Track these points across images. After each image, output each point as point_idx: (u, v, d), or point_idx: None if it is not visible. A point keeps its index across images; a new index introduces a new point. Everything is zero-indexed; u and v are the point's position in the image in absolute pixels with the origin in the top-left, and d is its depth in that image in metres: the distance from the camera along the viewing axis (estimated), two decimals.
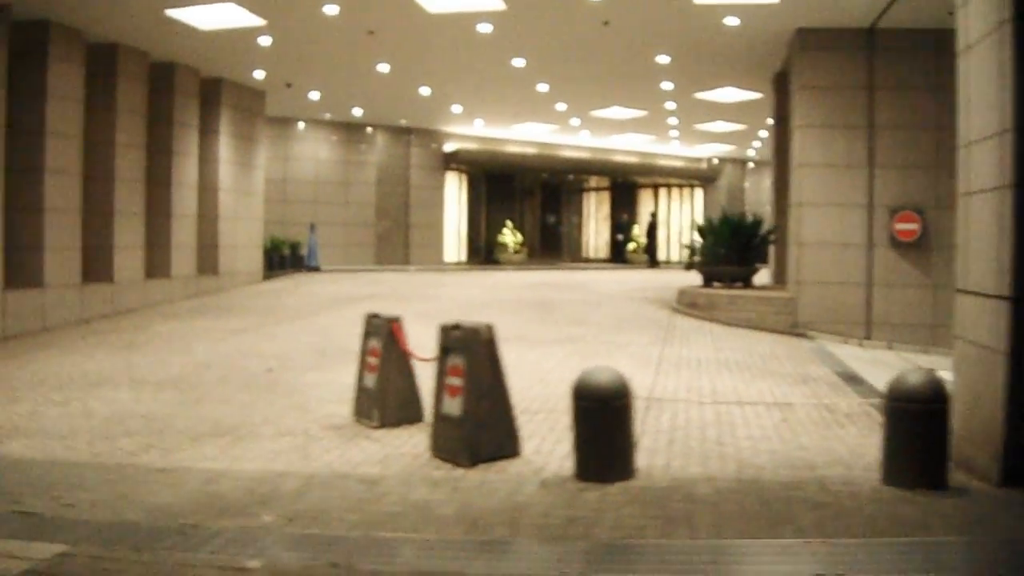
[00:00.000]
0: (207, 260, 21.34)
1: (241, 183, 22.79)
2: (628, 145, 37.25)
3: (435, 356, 7.20)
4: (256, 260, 23.68)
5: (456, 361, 6.94)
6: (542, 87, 23.36)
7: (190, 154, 20.52)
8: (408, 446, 7.45)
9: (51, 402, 9.29)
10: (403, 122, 30.59)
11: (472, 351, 6.84)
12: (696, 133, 32.84)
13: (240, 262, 22.69)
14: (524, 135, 34.31)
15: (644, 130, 32.41)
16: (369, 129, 30.61)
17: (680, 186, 42.58)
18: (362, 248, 30.36)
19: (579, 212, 43.78)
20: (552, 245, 41.73)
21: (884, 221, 15.82)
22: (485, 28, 16.86)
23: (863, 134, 16.02)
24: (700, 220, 34.86)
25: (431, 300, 18.69)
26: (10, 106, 14.41)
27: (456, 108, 27.40)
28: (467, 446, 6.78)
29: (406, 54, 19.41)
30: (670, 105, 26.29)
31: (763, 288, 18.81)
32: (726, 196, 41.43)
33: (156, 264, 19.43)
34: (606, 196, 43.49)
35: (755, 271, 19.22)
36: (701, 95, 24.38)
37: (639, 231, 40.42)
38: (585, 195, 43.59)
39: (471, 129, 32.74)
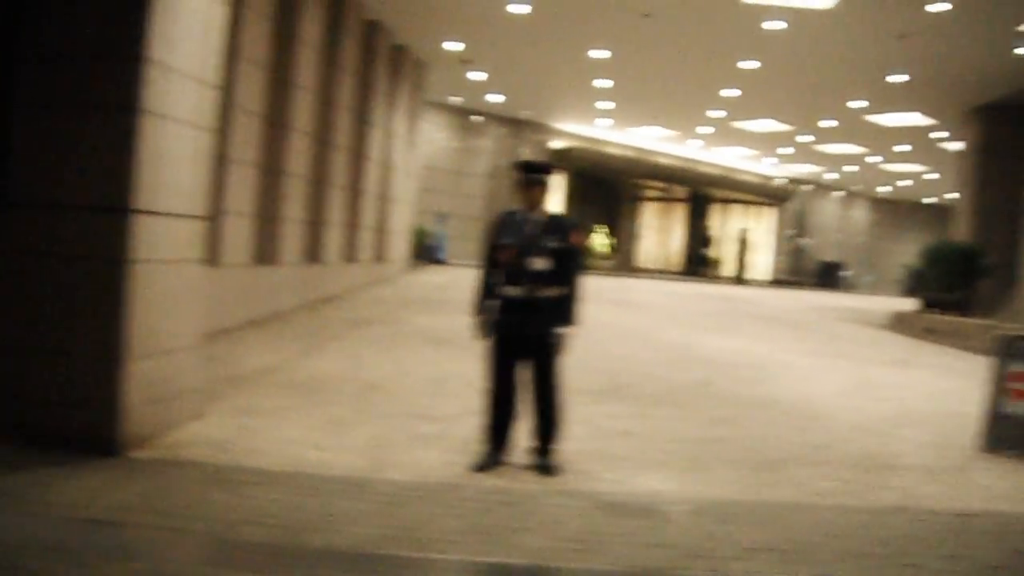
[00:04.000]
0: (380, 245, 19.26)
1: (407, 162, 20.76)
2: (712, 158, 36.06)
3: None
4: (405, 248, 21.64)
5: None
6: (731, 92, 21.85)
7: (378, 125, 18.40)
8: None
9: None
10: (525, 114, 28.80)
11: None
12: (813, 153, 31.67)
13: (396, 249, 20.69)
14: (625, 139, 32.81)
15: (776, 145, 31.06)
16: (480, 118, 28.71)
17: (754, 203, 41.33)
18: (468, 243, 28.43)
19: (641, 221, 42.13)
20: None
21: None
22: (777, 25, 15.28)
23: None
24: (771, 238, 33.80)
25: (635, 306, 16.75)
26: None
27: (603, 104, 25.70)
28: None
29: (622, 42, 17.81)
30: (828, 123, 25.09)
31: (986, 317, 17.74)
32: (792, 218, 40.48)
33: (350, 246, 17.29)
34: (677, 207, 41.89)
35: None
36: (873, 117, 23.22)
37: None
38: (654, 204, 41.98)
39: (577, 128, 31.10)
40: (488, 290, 5.71)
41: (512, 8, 16.10)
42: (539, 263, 5.56)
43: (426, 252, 24.18)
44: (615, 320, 15.28)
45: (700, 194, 40.68)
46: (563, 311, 5.60)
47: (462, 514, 4.90)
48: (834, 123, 25.02)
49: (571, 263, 5.62)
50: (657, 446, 6.75)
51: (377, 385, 8.31)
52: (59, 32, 6.02)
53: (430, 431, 6.76)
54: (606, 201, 37.40)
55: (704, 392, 9.21)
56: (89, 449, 5.64)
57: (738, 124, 26.88)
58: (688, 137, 31.32)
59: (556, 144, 31.30)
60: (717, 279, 36.26)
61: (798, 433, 7.56)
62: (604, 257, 34.69)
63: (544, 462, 5.73)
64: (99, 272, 5.76)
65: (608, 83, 22.35)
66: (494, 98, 26.27)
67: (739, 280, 35.20)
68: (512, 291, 5.59)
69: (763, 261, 41.48)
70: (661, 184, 39.15)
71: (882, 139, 26.52)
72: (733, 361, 11.64)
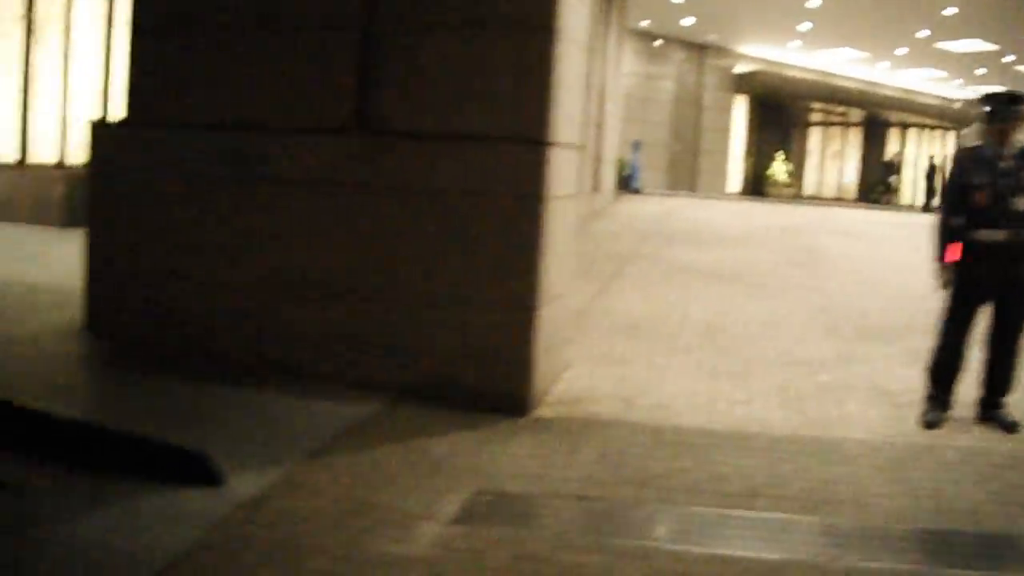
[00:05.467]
0: (596, 175, 18.51)
1: (614, 88, 19.86)
2: (893, 80, 33.92)
3: None
4: (612, 178, 20.85)
5: None
6: (950, 10, 20.19)
7: (596, 49, 17.43)
8: None
9: None
10: (712, 38, 27.51)
11: None
12: (1010, 72, 29.32)
13: (607, 179, 19.95)
14: (809, 62, 31.08)
15: (975, 67, 28.92)
16: (660, 42, 27.50)
17: (932, 127, 38.88)
18: (654, 172, 27.55)
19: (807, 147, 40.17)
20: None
21: None
22: None
23: None
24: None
25: (864, 238, 15.86)
26: None
27: (804, 25, 24.22)
28: None
29: None
30: None
31: None
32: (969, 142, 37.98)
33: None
34: (852, 131, 39.78)
35: None
36: None
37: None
38: (824, 129, 39.96)
39: (762, 51, 29.55)
40: (952, 233, 5.31)
41: None
42: (1022, 203, 5.15)
43: (624, 182, 23.37)
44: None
45: (878, 118, 38.52)
46: None
47: (978, 480, 4.53)
48: None
49: None
50: None
51: (714, 326, 7.91)
52: None
53: (828, 380, 6.24)
54: (783, 127, 35.85)
55: None
56: (496, 407, 5.24)
57: (941, 44, 25.01)
58: (879, 60, 29.41)
59: (740, 68, 29.89)
60: (898, 207, 34.32)
61: None
62: (785, 185, 33.23)
63: (1004, 417, 5.37)
64: (508, 209, 5.28)
65: (817, 1, 20.96)
66: (686, 21, 25.06)
67: (927, 209, 33.24)
68: (991, 235, 5.18)
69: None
70: (839, 108, 37.23)
71: None
72: None
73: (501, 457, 4.58)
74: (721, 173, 30.44)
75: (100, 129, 6.70)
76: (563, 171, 5.67)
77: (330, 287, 5.64)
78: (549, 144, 5.30)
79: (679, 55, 28.77)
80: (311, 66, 5.75)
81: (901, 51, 27.74)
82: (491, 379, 5.35)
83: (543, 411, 5.38)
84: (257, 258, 5.84)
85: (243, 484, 4.08)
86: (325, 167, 5.64)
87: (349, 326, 5.61)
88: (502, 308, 5.32)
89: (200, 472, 4.12)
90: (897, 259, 13.37)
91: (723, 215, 19.67)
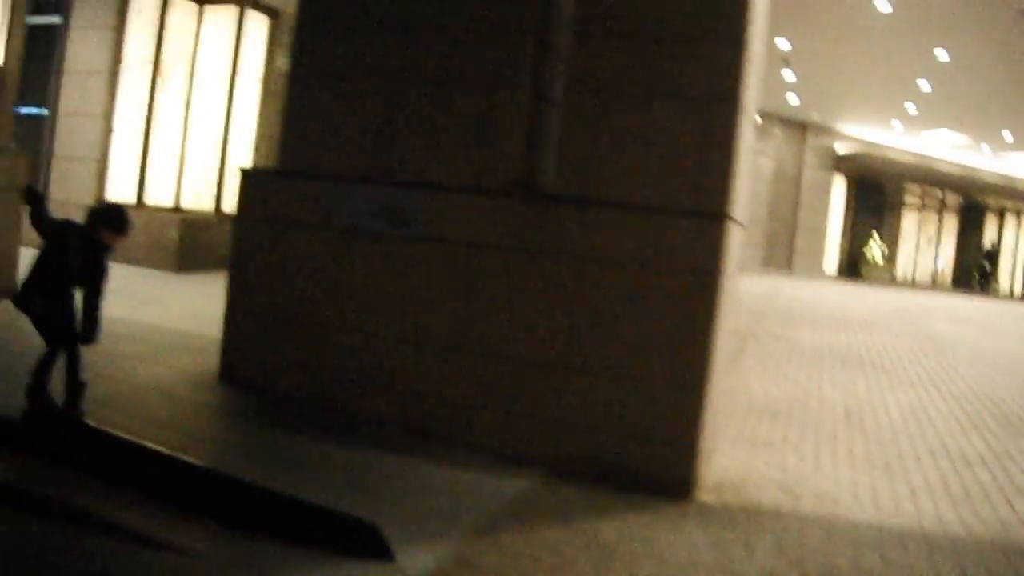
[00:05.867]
0: None
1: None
2: (993, 165, 33.12)
3: None
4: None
5: None
6: None
7: None
8: None
9: None
10: (814, 117, 27.21)
11: None
12: None
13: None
14: (908, 144, 30.54)
15: None
16: (758, 119, 27.23)
17: None
18: (751, 249, 27.08)
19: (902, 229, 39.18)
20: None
21: None
22: None
23: None
24: None
25: (975, 325, 15.17)
26: None
27: (909, 107, 23.80)
28: None
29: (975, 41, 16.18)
30: None
31: None
32: None
33: None
34: (945, 215, 38.83)
35: None
36: None
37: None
38: (920, 212, 39.06)
39: (862, 131, 29.14)
40: None
41: (877, 4, 14.92)
42: None
43: None
44: None
45: (975, 202, 37.62)
46: None
47: None
48: None
49: None
50: None
51: (854, 412, 7.68)
52: (638, 9, 5.33)
53: (989, 479, 5.89)
54: (879, 209, 35.20)
55: None
56: (657, 489, 4.96)
57: None
58: (983, 142, 28.77)
59: (839, 148, 29.51)
60: (998, 295, 33.32)
61: None
62: (880, 267, 32.51)
63: None
64: (683, 284, 5.04)
65: (928, 86, 20.58)
66: (789, 99, 24.86)
67: None
68: None
69: None
70: (936, 191, 36.47)
71: None
72: None
73: (677, 546, 4.30)
74: (817, 253, 29.92)
75: (250, 176, 6.64)
76: (734, 247, 5.44)
77: (483, 353, 5.43)
78: (728, 219, 5.08)
79: (780, 133, 28.50)
80: (478, 125, 5.62)
81: (1007, 135, 27.12)
82: (652, 459, 5.07)
83: (705, 496, 5.09)
84: (408, 317, 5.66)
85: (413, 560, 3.85)
86: (488, 229, 5.46)
87: (502, 394, 5.38)
88: (669, 385, 5.06)
89: (371, 544, 3.90)
90: (1015, 349, 12.96)
91: (828, 295, 19.30)
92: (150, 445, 4.74)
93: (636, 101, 5.22)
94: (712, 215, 5.02)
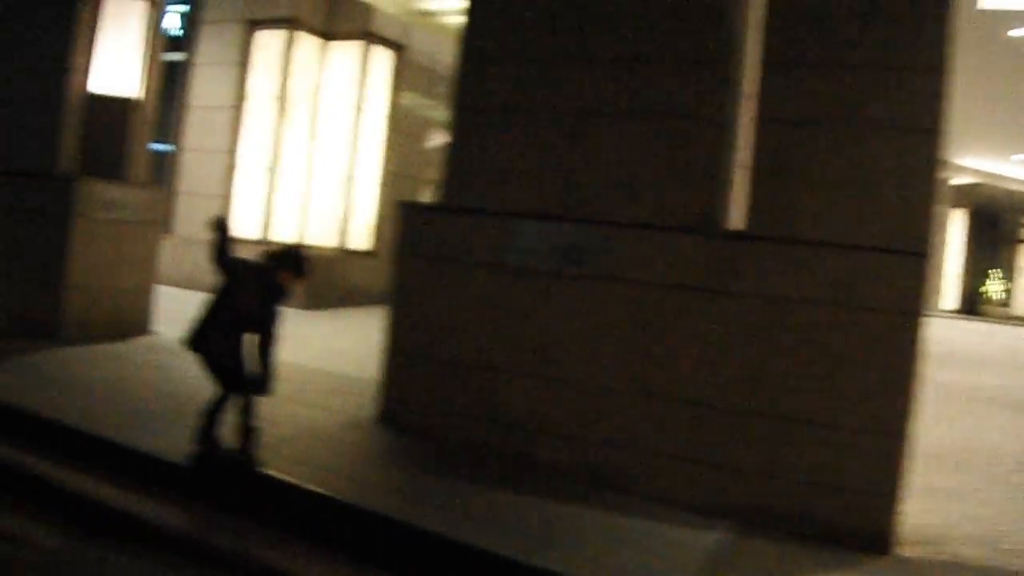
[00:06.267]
0: None
1: None
2: None
3: None
4: None
5: None
6: None
7: None
8: None
9: None
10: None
11: None
12: None
13: None
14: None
15: None
16: None
17: None
18: None
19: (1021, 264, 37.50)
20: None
21: None
22: None
23: None
24: None
25: None
26: None
27: None
28: None
29: None
30: None
31: None
32: None
33: None
34: None
35: None
36: None
37: None
38: None
39: (980, 164, 28.08)
40: None
41: (1014, 33, 14.37)
42: None
43: None
44: None
45: None
46: None
47: None
48: None
49: None
50: None
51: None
52: (823, 37, 5.14)
53: None
54: (997, 243, 33.94)
55: None
56: (854, 543, 4.69)
57: None
58: None
59: (957, 181, 28.57)
60: None
61: None
62: (1000, 303, 31.29)
63: None
64: (885, 325, 4.78)
65: None
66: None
67: None
68: None
69: None
70: None
71: None
72: None
73: None
74: (935, 289, 28.95)
75: (411, 212, 6.55)
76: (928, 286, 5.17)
77: (668, 397, 5.23)
78: (927, 257, 4.83)
79: None
80: (660, 158, 5.47)
81: None
82: (849, 511, 4.80)
83: (904, 550, 4.80)
84: (587, 359, 5.47)
85: None
86: (673, 267, 5.28)
87: (688, 441, 5.17)
88: (869, 433, 4.80)
89: None
90: None
91: (957, 333, 18.58)
92: (328, 493, 4.64)
93: (835, 131, 5.03)
94: (914, 252, 4.78)
